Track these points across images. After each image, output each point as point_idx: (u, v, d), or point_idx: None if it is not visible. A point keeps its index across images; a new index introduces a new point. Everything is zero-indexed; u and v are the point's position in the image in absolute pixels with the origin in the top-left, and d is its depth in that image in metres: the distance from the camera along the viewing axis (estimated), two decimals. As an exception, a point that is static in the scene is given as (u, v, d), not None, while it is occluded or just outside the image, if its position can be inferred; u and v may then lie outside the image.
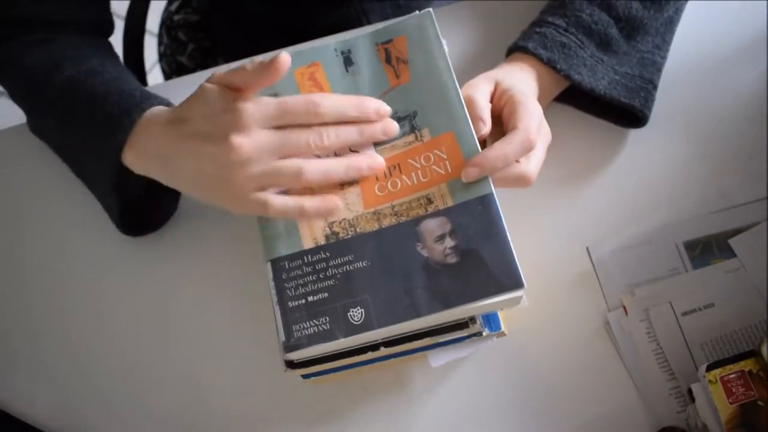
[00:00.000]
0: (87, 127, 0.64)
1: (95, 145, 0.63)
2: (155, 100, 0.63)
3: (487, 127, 0.60)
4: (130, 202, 0.67)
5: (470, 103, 0.60)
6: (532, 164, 0.60)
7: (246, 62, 0.55)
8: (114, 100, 0.63)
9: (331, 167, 0.56)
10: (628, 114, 0.69)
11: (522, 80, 0.65)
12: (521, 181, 0.59)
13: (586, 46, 0.67)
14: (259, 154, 0.54)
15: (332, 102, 0.56)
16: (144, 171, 0.61)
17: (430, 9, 0.64)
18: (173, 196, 0.70)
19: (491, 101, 0.63)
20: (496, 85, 0.64)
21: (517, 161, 0.59)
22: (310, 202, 0.55)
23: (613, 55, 0.68)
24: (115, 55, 0.76)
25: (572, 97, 0.70)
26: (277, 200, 0.55)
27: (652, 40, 0.70)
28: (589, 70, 0.67)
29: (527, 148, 0.59)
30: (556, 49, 0.66)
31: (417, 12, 0.64)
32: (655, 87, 0.69)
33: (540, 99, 0.65)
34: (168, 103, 0.64)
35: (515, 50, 0.68)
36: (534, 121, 0.60)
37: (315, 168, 0.55)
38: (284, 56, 0.53)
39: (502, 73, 0.65)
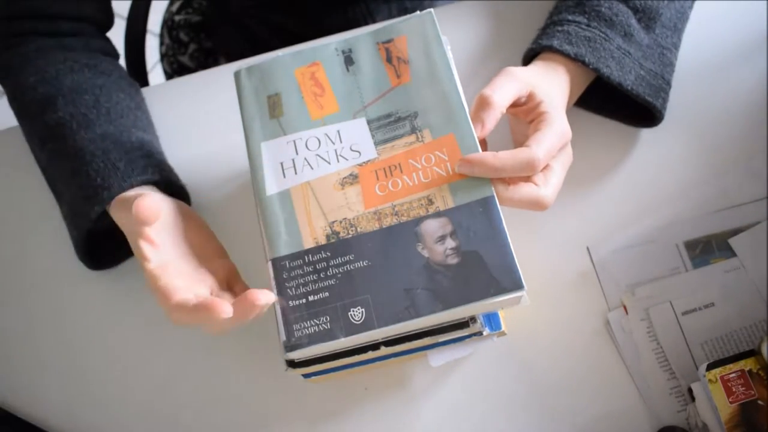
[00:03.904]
0: (68, 180, 0.66)
1: (73, 200, 0.66)
2: (135, 175, 0.64)
3: (485, 130, 0.58)
4: (95, 240, 0.69)
5: (484, 103, 0.58)
6: (550, 188, 0.58)
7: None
8: (99, 167, 0.65)
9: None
10: (639, 113, 0.69)
11: (555, 86, 0.64)
12: (537, 204, 0.57)
13: (611, 39, 0.67)
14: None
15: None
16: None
17: (431, 9, 0.64)
18: None
19: (522, 104, 0.62)
20: (531, 93, 0.61)
21: (536, 184, 0.58)
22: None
23: (637, 47, 0.68)
24: (111, 69, 0.75)
25: (586, 94, 0.70)
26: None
27: (670, 35, 0.70)
28: (617, 63, 0.66)
29: (527, 170, 0.57)
30: (581, 44, 0.66)
31: (418, 12, 0.64)
32: (670, 88, 0.69)
33: (569, 99, 0.65)
34: (146, 179, 0.65)
35: (540, 50, 0.67)
36: (551, 143, 0.58)
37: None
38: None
39: (537, 77, 0.63)
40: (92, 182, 0.64)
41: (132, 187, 0.64)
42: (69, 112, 0.68)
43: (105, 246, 0.70)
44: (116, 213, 0.63)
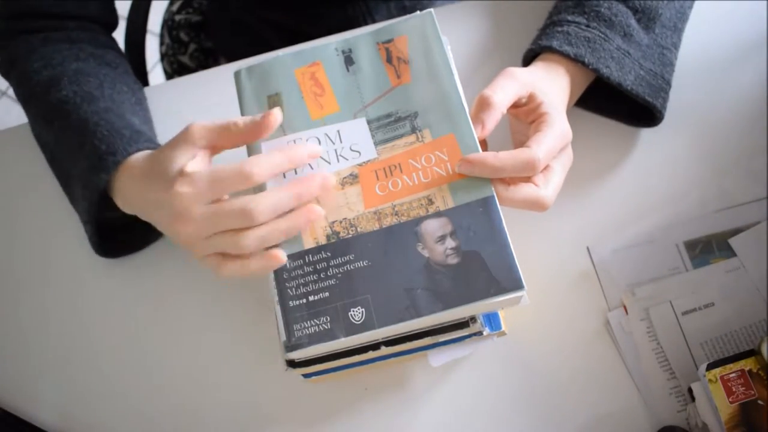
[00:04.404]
0: (76, 154, 0.66)
1: (81, 173, 0.65)
2: (142, 142, 0.64)
3: (485, 131, 0.58)
4: (108, 229, 0.69)
5: (484, 104, 0.58)
6: (551, 189, 0.58)
7: (237, 120, 0.57)
8: (103, 135, 0.64)
9: (280, 202, 0.55)
10: (639, 113, 0.69)
11: (556, 87, 0.64)
12: (537, 205, 0.57)
13: (610, 39, 0.67)
14: (197, 233, 0.56)
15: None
16: (123, 208, 0.63)
17: (431, 9, 0.64)
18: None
19: (523, 104, 0.62)
20: (531, 94, 0.61)
21: (536, 185, 0.58)
22: (255, 264, 0.56)
23: (637, 48, 0.68)
24: (116, 63, 0.75)
25: (587, 94, 0.70)
26: (225, 269, 0.57)
27: (670, 34, 0.70)
28: (617, 63, 0.66)
29: (527, 170, 0.57)
30: (581, 45, 0.66)
31: (418, 12, 0.64)
32: (670, 88, 0.69)
33: (569, 99, 0.65)
34: (155, 144, 0.64)
35: (540, 51, 0.67)
36: (552, 144, 0.58)
37: (264, 207, 0.55)
38: (275, 114, 0.57)
39: (538, 78, 0.63)
40: (97, 151, 0.63)
41: (137, 150, 0.62)
42: (73, 90, 0.68)
43: (117, 235, 0.70)
44: (126, 179, 0.62)
